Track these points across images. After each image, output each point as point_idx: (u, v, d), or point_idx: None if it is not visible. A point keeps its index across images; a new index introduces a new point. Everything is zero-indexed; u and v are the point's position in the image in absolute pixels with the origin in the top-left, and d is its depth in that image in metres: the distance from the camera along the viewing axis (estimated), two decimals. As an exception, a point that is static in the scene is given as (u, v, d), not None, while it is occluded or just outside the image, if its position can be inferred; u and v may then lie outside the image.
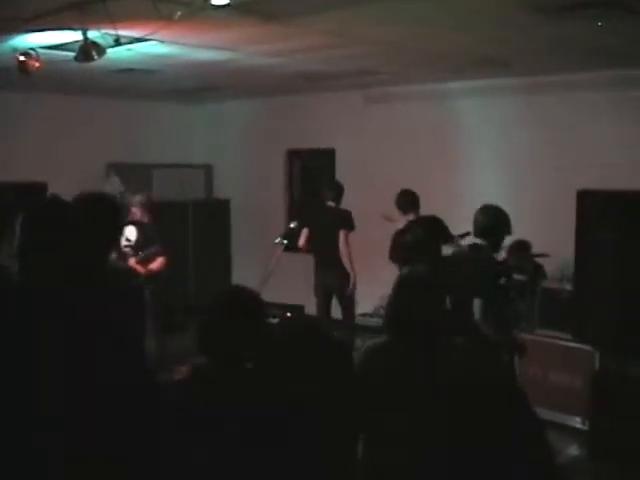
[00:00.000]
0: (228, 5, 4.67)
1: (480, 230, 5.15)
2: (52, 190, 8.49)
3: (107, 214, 3.27)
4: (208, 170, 11.65)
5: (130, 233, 7.18)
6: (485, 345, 4.81)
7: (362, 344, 4.09)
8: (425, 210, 7.02)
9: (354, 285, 7.68)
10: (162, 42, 6.10)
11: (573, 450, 6.05)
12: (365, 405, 2.37)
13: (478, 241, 5.16)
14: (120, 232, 4.03)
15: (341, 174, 9.56)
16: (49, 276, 2.84)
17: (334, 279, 7.72)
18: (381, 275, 7.47)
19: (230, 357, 2.54)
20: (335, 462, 1.86)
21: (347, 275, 7.70)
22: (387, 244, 7.29)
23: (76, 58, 5.53)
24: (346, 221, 7.68)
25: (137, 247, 7.18)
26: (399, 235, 6.66)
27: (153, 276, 7.11)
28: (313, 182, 10.77)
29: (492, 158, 8.47)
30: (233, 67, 7.57)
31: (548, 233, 6.99)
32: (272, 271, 6.38)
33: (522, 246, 6.82)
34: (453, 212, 7.27)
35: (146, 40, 5.85)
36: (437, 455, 2.11)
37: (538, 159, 8.04)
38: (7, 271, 3.10)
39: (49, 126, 9.75)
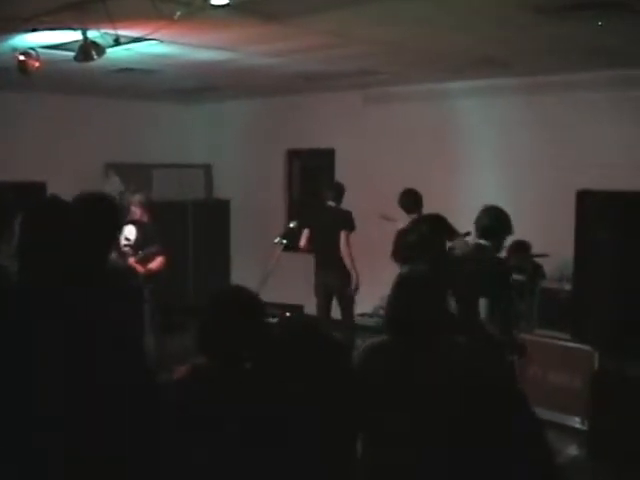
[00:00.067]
0: (228, 5, 4.67)
1: (482, 231, 5.17)
2: (51, 190, 8.50)
3: (106, 214, 3.27)
4: (208, 170, 11.66)
5: (129, 232, 7.18)
6: (490, 345, 4.83)
7: (362, 344, 4.09)
8: (425, 210, 7.03)
9: (357, 286, 7.68)
10: (162, 42, 6.11)
11: (572, 450, 6.05)
12: (365, 405, 2.37)
13: (481, 242, 5.18)
14: (119, 232, 4.03)
15: (341, 174, 9.57)
16: (48, 276, 2.84)
17: (334, 279, 7.72)
18: (381, 275, 7.46)
19: (229, 357, 2.54)
20: (335, 462, 1.86)
21: (347, 275, 7.70)
22: (387, 244, 7.28)
23: (76, 58, 5.54)
24: (347, 222, 7.68)
25: (136, 246, 7.18)
26: (402, 234, 6.66)
27: (152, 276, 7.11)
28: (313, 182, 10.78)
29: (492, 158, 8.47)
30: (233, 67, 7.57)
31: (548, 233, 7.00)
32: (271, 271, 6.38)
33: (521, 246, 6.83)
34: (453, 212, 7.27)
35: (146, 40, 5.85)
36: (437, 455, 2.11)
37: (538, 159, 8.04)
38: (6, 271, 3.10)
39: (49, 126, 9.76)
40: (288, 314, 6.80)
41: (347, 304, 7.84)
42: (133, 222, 7.30)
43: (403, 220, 7.06)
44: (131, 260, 6.93)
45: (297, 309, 7.32)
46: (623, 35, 5.71)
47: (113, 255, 4.77)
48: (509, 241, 5.61)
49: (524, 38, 6.01)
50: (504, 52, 6.66)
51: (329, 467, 1.83)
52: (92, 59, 5.47)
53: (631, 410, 5.61)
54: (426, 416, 2.26)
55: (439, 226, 5.57)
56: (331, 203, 7.85)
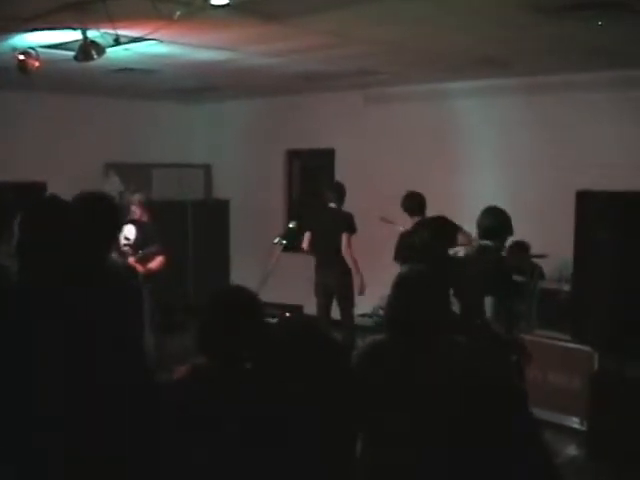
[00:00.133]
0: (228, 5, 4.67)
1: (484, 232, 5.19)
2: (51, 190, 8.49)
3: (106, 213, 3.27)
4: (207, 170, 11.65)
5: (129, 232, 7.19)
6: (495, 344, 4.85)
7: (362, 344, 4.09)
8: (425, 211, 7.04)
9: (363, 286, 7.68)
10: (161, 42, 6.11)
11: (571, 450, 6.06)
12: (365, 405, 2.37)
13: (484, 242, 5.20)
14: (119, 231, 4.03)
15: (341, 174, 9.56)
16: (48, 276, 2.84)
17: (334, 279, 7.73)
18: (381, 275, 7.45)
19: (229, 357, 2.54)
20: (335, 462, 1.86)
21: (348, 276, 7.72)
22: (387, 244, 7.29)
23: (76, 57, 5.54)
24: (348, 224, 7.68)
25: (136, 246, 7.18)
26: (405, 236, 6.66)
27: (152, 275, 7.11)
28: (313, 182, 10.78)
29: (492, 158, 8.47)
30: (233, 67, 7.57)
31: (547, 233, 6.99)
32: (271, 271, 6.37)
33: (520, 247, 6.83)
34: (453, 212, 7.27)
35: (145, 40, 5.85)
36: (437, 455, 2.11)
37: (538, 159, 8.04)
38: (6, 271, 3.10)
39: (48, 126, 9.76)
40: (288, 314, 6.79)
41: (347, 304, 7.84)
42: (133, 222, 7.31)
43: (405, 223, 7.05)
44: (131, 260, 6.93)
45: (297, 309, 7.31)
46: (623, 35, 5.71)
47: (113, 255, 4.77)
48: (509, 241, 5.61)
49: (524, 38, 6.01)
50: (504, 52, 6.66)
51: (329, 467, 1.83)
52: (92, 59, 5.47)
53: (630, 411, 5.60)
54: (426, 416, 2.26)
55: (442, 230, 5.59)
56: (332, 205, 7.85)
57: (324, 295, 7.86)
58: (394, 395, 2.83)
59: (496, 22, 5.42)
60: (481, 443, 2.06)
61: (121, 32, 5.34)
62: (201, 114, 11.49)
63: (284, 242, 6.56)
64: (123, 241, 7.04)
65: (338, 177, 9.46)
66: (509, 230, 5.22)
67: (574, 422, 6.35)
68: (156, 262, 7.31)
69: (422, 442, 2.19)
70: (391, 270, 5.69)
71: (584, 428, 6.16)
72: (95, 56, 5.44)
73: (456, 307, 5.34)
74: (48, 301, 2.78)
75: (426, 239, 5.38)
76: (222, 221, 11.02)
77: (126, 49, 6.20)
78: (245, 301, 2.67)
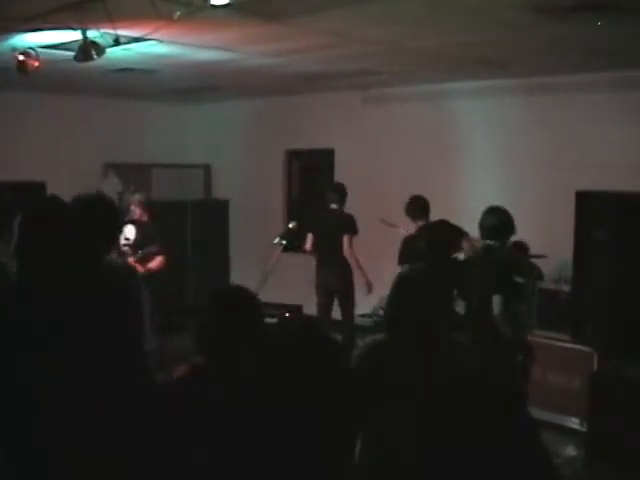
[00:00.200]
0: (227, 5, 4.66)
1: (488, 231, 5.21)
2: (51, 190, 8.50)
3: (105, 214, 3.27)
4: (207, 170, 11.66)
5: (129, 232, 7.19)
6: (500, 344, 4.87)
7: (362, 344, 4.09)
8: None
9: (369, 284, 7.68)
10: (161, 42, 6.10)
11: (571, 451, 6.06)
12: (364, 405, 2.37)
13: (488, 242, 5.21)
14: (119, 232, 4.03)
15: (340, 174, 9.57)
16: (47, 275, 2.84)
17: (335, 279, 7.76)
18: (381, 276, 7.48)
19: (228, 357, 2.53)
20: (335, 462, 1.86)
21: (349, 275, 7.75)
22: (386, 244, 7.30)
23: (75, 58, 5.54)
24: (350, 225, 7.71)
25: (136, 246, 7.18)
26: (409, 241, 6.66)
27: (152, 275, 7.11)
28: (312, 182, 10.79)
29: (491, 159, 8.47)
30: (232, 67, 7.56)
31: (547, 234, 6.99)
32: (271, 271, 6.37)
33: (519, 247, 6.83)
34: (452, 213, 7.26)
35: (145, 40, 5.85)
36: (437, 455, 2.11)
37: (537, 160, 8.04)
38: (5, 269, 3.10)
39: (48, 126, 9.76)
40: (287, 314, 6.79)
41: (348, 304, 7.86)
42: (132, 222, 7.31)
43: (408, 226, 7.04)
44: (130, 260, 6.93)
45: (296, 309, 7.31)
46: (623, 36, 5.71)
47: (113, 255, 4.77)
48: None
49: (524, 38, 6.01)
50: (504, 52, 6.66)
51: (329, 467, 1.83)
52: (92, 59, 5.47)
53: (630, 411, 5.61)
54: (426, 416, 2.26)
55: (446, 236, 5.60)
56: (334, 206, 7.87)
57: (325, 295, 7.88)
58: (394, 395, 2.83)
59: (496, 22, 5.42)
60: (481, 443, 2.06)
61: (121, 32, 5.34)
62: (201, 114, 11.49)
63: (284, 242, 6.56)
64: (123, 241, 7.04)
65: (337, 177, 9.46)
66: (512, 229, 5.24)
67: (573, 422, 6.35)
68: (156, 262, 7.31)
69: (422, 442, 2.20)
70: (391, 270, 5.70)
71: (583, 428, 6.16)
72: (95, 56, 5.44)
73: (461, 307, 5.37)
74: (47, 301, 2.78)
75: (430, 243, 5.40)
76: (222, 221, 11.01)
77: (126, 49, 6.20)
78: (244, 301, 2.67)
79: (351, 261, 7.69)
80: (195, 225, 10.56)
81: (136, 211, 7.51)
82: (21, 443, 2.66)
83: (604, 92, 7.47)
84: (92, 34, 5.41)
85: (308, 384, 1.85)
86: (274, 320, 6.23)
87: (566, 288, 6.68)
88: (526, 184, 8.02)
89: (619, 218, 5.99)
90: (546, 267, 6.89)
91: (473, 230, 5.88)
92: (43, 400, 2.67)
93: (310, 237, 7.90)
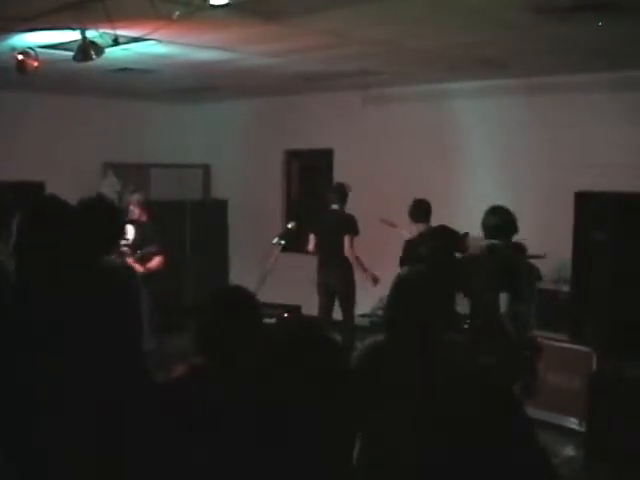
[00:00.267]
0: (227, 5, 4.66)
1: (491, 231, 5.22)
2: (50, 189, 8.50)
3: (106, 215, 3.28)
4: (206, 170, 11.65)
5: (128, 232, 7.18)
6: (506, 342, 4.89)
7: (361, 344, 4.10)
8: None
9: (375, 277, 7.69)
10: (160, 42, 6.10)
11: (569, 451, 6.06)
12: (364, 405, 2.37)
13: (492, 241, 5.23)
14: (121, 232, 4.03)
15: (339, 175, 9.57)
16: (46, 275, 2.84)
17: (336, 279, 7.78)
18: (381, 276, 7.50)
19: (228, 357, 2.53)
20: (335, 462, 1.86)
21: (350, 275, 7.79)
22: (385, 245, 7.30)
23: (74, 57, 5.54)
24: (351, 226, 7.72)
25: (135, 246, 7.18)
26: (411, 245, 6.66)
27: (151, 275, 7.11)
28: (311, 182, 10.80)
29: (491, 159, 8.48)
30: (231, 67, 7.56)
31: (546, 234, 7.00)
32: (270, 271, 6.38)
33: (517, 248, 6.83)
34: (452, 212, 7.28)
35: (144, 40, 5.85)
36: (437, 455, 2.11)
37: (537, 160, 8.04)
38: (4, 268, 3.10)
39: (47, 126, 9.76)
40: (286, 314, 6.80)
41: (348, 304, 7.88)
42: (131, 222, 7.31)
43: (410, 228, 7.03)
44: (129, 260, 6.93)
45: (295, 310, 7.32)
46: (623, 36, 5.71)
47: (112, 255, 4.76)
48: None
49: (524, 38, 6.01)
50: (504, 52, 6.66)
51: (329, 467, 1.83)
52: (91, 59, 5.47)
53: (629, 411, 5.61)
54: (426, 417, 2.26)
55: (448, 241, 5.62)
56: (335, 206, 7.87)
57: (326, 295, 7.90)
58: (394, 395, 2.83)
59: (496, 22, 5.42)
60: (481, 443, 2.06)
61: (120, 32, 5.34)
62: (200, 114, 11.49)
63: (283, 242, 6.56)
64: (122, 241, 7.03)
65: (337, 178, 9.46)
66: (515, 228, 5.27)
67: (572, 423, 6.35)
68: (155, 262, 7.31)
69: (422, 442, 2.20)
70: (391, 271, 5.70)
71: (582, 429, 6.16)
72: (94, 56, 5.44)
73: (465, 307, 5.40)
74: (46, 301, 2.78)
75: (433, 249, 5.43)
76: (221, 221, 11.01)
77: (125, 49, 6.20)
78: (243, 301, 2.67)
79: (353, 261, 7.70)
80: (194, 225, 10.56)
81: (135, 211, 7.51)
82: (21, 443, 2.66)
83: (604, 92, 7.48)
84: (91, 34, 5.41)
85: (308, 384, 1.85)
86: (273, 320, 6.23)
87: (565, 288, 6.69)
88: (526, 184, 8.02)
89: (619, 218, 6.00)
90: (545, 267, 6.91)
91: (473, 230, 5.89)
92: (43, 400, 2.66)
93: (312, 238, 7.92)
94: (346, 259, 7.71)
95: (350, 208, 7.91)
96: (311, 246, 7.95)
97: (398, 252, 6.80)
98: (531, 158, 8.11)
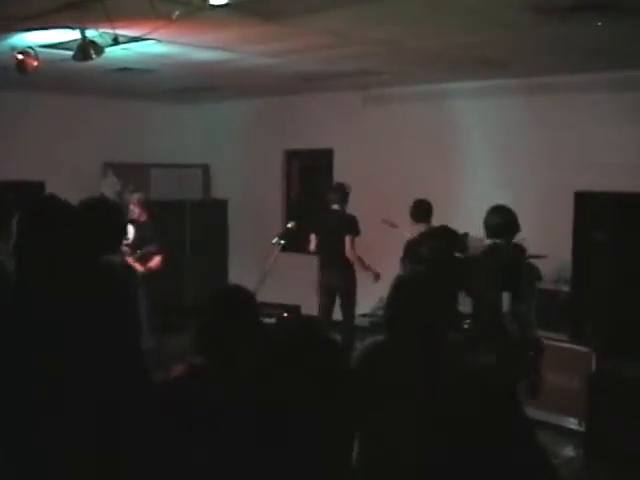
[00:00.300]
0: (226, 5, 4.66)
1: (493, 230, 5.23)
2: (49, 189, 8.49)
3: (107, 214, 3.28)
4: (206, 170, 11.65)
5: (128, 232, 7.18)
6: (509, 341, 4.90)
7: (361, 345, 4.10)
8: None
9: (377, 274, 7.70)
10: (160, 42, 6.10)
11: (569, 451, 6.06)
12: (364, 405, 2.37)
13: (495, 241, 5.24)
14: (123, 233, 4.03)
15: (339, 175, 9.57)
16: (46, 274, 2.83)
17: (339, 279, 7.79)
18: (381, 275, 7.50)
19: (228, 357, 2.53)
20: (335, 462, 1.86)
21: (352, 274, 7.80)
22: (385, 245, 7.29)
23: (74, 57, 5.53)
24: (352, 226, 7.72)
25: (134, 246, 7.18)
26: (412, 245, 6.66)
27: (150, 275, 7.11)
28: (311, 182, 10.79)
29: (491, 159, 8.47)
30: (231, 67, 7.56)
31: (546, 234, 6.99)
32: (269, 271, 6.38)
33: (517, 249, 6.84)
34: (452, 212, 7.28)
35: (144, 39, 5.85)
36: (437, 455, 2.11)
37: (537, 160, 8.04)
38: (4, 268, 3.10)
39: (47, 125, 9.76)
40: (285, 314, 6.80)
41: (349, 302, 7.88)
42: (131, 221, 7.31)
43: (411, 228, 7.03)
44: (129, 259, 6.93)
45: (294, 309, 7.32)
46: (622, 36, 5.71)
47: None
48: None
49: (524, 38, 6.01)
50: (504, 52, 6.66)
51: (329, 467, 1.83)
52: (90, 58, 5.46)
53: (628, 411, 5.61)
54: (426, 416, 2.26)
55: (449, 241, 5.63)
56: (335, 206, 7.86)
57: (328, 295, 7.91)
58: (394, 395, 2.83)
59: (496, 22, 5.42)
60: (481, 443, 2.06)
61: (120, 32, 5.33)
62: (199, 114, 11.49)
63: (282, 242, 6.56)
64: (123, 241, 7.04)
65: (337, 178, 9.46)
66: (517, 227, 5.28)
67: (572, 423, 6.35)
68: (154, 262, 7.32)
69: (422, 442, 2.20)
70: (391, 271, 5.71)
71: (582, 429, 6.16)
72: (94, 56, 5.44)
73: (464, 306, 5.40)
74: (46, 301, 2.77)
75: (435, 250, 5.43)
76: (220, 221, 11.01)
77: (124, 49, 6.20)
78: (240, 301, 2.67)
79: (354, 262, 7.71)
80: (194, 225, 10.56)
81: (135, 210, 7.52)
82: (21, 443, 2.66)
83: (604, 92, 7.48)
84: (91, 33, 5.41)
85: (308, 384, 1.85)
86: (272, 320, 6.24)
87: (565, 288, 6.68)
88: (526, 184, 8.02)
89: (619, 218, 5.99)
90: (545, 267, 6.89)
91: (473, 230, 5.89)
92: (43, 400, 2.66)
93: (314, 238, 7.92)
94: (347, 259, 7.71)
95: (350, 208, 7.90)
96: (312, 246, 7.96)
97: (398, 252, 6.79)
98: (531, 158, 8.10)
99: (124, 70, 7.73)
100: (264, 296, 5.07)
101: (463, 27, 5.60)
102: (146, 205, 7.66)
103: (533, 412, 4.99)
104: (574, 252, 6.37)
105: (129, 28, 5.46)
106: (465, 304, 5.45)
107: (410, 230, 6.96)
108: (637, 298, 5.86)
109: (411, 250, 6.65)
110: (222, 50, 6.62)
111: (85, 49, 5.41)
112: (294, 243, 7.69)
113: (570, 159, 7.66)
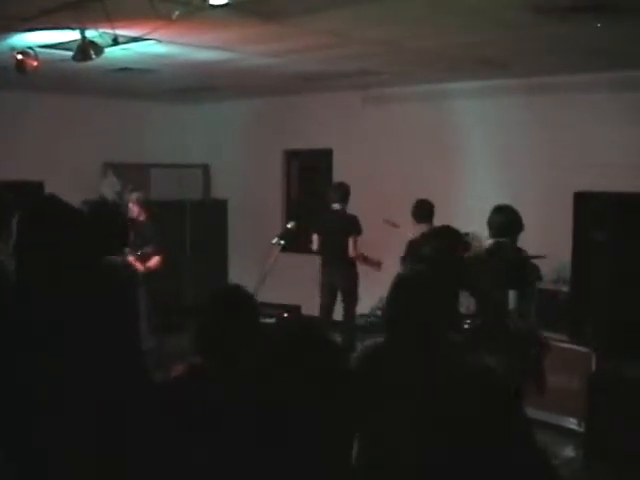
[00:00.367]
0: (226, 5, 4.66)
1: (497, 229, 5.25)
2: (49, 189, 8.50)
3: (110, 215, 3.29)
4: (205, 170, 11.65)
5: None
6: (513, 339, 4.91)
7: (361, 345, 4.11)
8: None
9: (378, 263, 7.69)
10: (160, 42, 6.10)
11: (569, 451, 6.06)
12: (364, 405, 2.37)
13: (499, 240, 5.25)
14: (125, 234, 4.04)
15: (339, 175, 9.56)
16: (46, 274, 2.83)
17: (341, 279, 7.80)
18: (381, 276, 7.49)
19: (228, 357, 2.53)
20: (335, 462, 1.86)
21: (354, 273, 7.83)
22: (385, 245, 7.29)
23: (74, 57, 5.54)
24: (354, 226, 7.72)
25: (134, 246, 7.17)
26: (414, 245, 6.66)
27: (150, 275, 7.11)
28: (311, 182, 10.79)
29: (490, 159, 8.48)
30: (231, 67, 7.56)
31: (546, 234, 6.99)
32: (269, 271, 6.38)
33: (517, 250, 6.85)
34: (452, 212, 7.28)
35: (144, 40, 5.85)
36: (437, 455, 2.11)
37: (537, 160, 8.05)
38: (4, 268, 3.10)
39: (47, 125, 9.75)
40: (285, 314, 6.79)
41: (351, 300, 7.89)
42: (130, 220, 7.30)
43: (412, 228, 7.03)
44: (129, 258, 6.93)
45: (294, 310, 7.31)
46: (622, 36, 5.72)
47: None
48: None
49: (524, 39, 6.01)
50: (504, 53, 6.67)
51: (329, 467, 1.83)
52: (90, 59, 5.47)
53: (628, 411, 5.61)
54: (426, 416, 2.26)
55: (451, 241, 5.64)
56: (336, 206, 7.86)
57: (329, 295, 7.92)
58: (394, 395, 2.83)
59: (496, 22, 5.42)
60: (481, 443, 2.06)
61: (119, 32, 5.34)
62: (199, 114, 11.49)
63: (282, 242, 6.56)
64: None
65: (336, 178, 9.46)
66: (520, 227, 5.30)
67: (572, 423, 6.34)
68: (153, 261, 7.31)
69: (422, 442, 2.20)
70: (390, 271, 5.71)
71: (582, 429, 6.15)
72: (93, 56, 5.44)
73: (465, 305, 5.41)
74: (46, 301, 2.77)
75: (437, 250, 5.44)
76: (220, 221, 11.01)
77: (124, 49, 6.20)
78: (240, 301, 2.67)
79: (359, 261, 7.72)
80: (194, 225, 10.56)
81: (134, 209, 7.51)
82: (21, 443, 2.66)
83: (604, 92, 7.48)
84: (91, 34, 5.41)
85: (308, 384, 1.85)
86: (272, 320, 6.23)
87: (565, 288, 6.68)
88: (526, 184, 8.02)
89: (619, 218, 5.99)
90: (545, 267, 6.89)
91: (473, 229, 5.89)
92: (43, 400, 2.66)
93: (316, 238, 7.92)
94: (349, 258, 7.71)
95: (350, 208, 7.91)
96: (315, 246, 7.96)
97: (398, 252, 6.80)
98: (531, 158, 8.11)
99: (124, 70, 7.73)
100: (264, 296, 5.07)
101: (463, 27, 5.60)
102: (145, 204, 7.66)
103: (533, 412, 5.00)
104: (574, 252, 6.36)
105: (129, 28, 5.46)
106: (465, 304, 5.45)
107: (412, 230, 6.96)
108: (637, 298, 5.85)
109: (413, 250, 6.66)
110: (222, 50, 6.62)
111: (85, 49, 5.41)
112: (294, 243, 7.69)
113: (570, 159, 7.67)
